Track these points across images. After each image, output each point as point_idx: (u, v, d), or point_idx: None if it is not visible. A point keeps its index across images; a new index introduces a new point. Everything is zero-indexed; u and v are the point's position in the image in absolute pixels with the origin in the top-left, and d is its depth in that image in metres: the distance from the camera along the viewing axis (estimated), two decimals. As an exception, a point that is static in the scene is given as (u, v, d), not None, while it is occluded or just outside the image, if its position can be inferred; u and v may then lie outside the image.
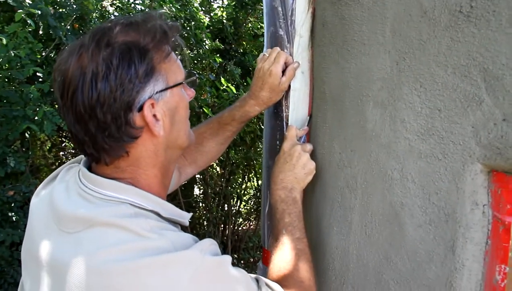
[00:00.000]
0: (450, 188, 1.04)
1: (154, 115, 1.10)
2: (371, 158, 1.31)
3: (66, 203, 1.09)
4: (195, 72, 1.29)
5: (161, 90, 1.12)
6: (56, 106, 3.71)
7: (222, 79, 4.56)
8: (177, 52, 1.22)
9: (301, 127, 1.73)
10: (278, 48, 1.65)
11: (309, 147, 1.61)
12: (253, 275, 1.17)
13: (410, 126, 1.15)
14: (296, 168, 1.52)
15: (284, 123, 1.72)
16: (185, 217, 1.23)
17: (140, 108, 1.08)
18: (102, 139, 1.06)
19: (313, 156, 1.60)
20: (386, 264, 1.25)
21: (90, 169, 1.15)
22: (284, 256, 1.33)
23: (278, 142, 1.76)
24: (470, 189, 1.00)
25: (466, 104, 0.99)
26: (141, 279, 0.94)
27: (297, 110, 1.74)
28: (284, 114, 1.72)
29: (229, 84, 4.65)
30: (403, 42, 1.18)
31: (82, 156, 1.23)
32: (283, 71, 1.63)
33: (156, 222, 1.07)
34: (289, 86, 1.68)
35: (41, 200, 1.20)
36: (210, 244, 1.09)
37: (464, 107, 1.00)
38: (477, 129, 0.97)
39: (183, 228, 1.26)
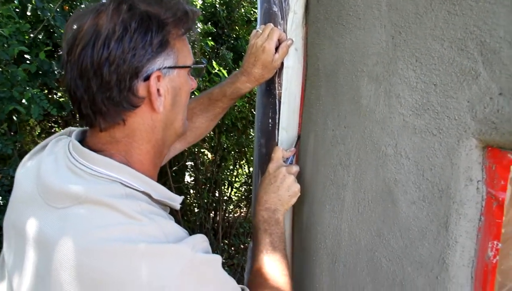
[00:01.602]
0: (444, 164, 1.03)
1: (158, 90, 1.10)
2: (365, 134, 1.30)
3: (55, 176, 1.06)
4: (204, 62, 1.27)
5: (170, 67, 1.11)
6: (46, 90, 3.68)
7: (214, 63, 4.53)
8: (191, 37, 1.21)
9: (289, 148, 1.74)
10: (271, 25, 1.63)
11: (295, 168, 1.61)
12: (240, 286, 1.16)
13: (405, 102, 1.14)
14: (281, 190, 1.53)
15: (277, 101, 1.71)
16: (176, 200, 1.21)
17: (146, 78, 1.07)
18: (102, 101, 1.04)
19: (305, 138, 1.60)
20: (379, 242, 1.25)
21: (81, 143, 1.12)
22: (263, 277, 1.33)
23: (270, 120, 1.75)
24: (464, 164, 0.99)
25: (462, 79, 0.98)
26: (131, 264, 0.93)
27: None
28: (277, 91, 1.71)
29: (221, 68, 4.63)
30: (399, 16, 1.16)
31: (71, 128, 1.21)
32: (276, 48, 1.62)
33: (147, 204, 1.05)
34: (282, 63, 1.67)
35: (27, 171, 1.17)
36: (202, 241, 1.08)
37: (460, 81, 0.98)
38: (473, 104, 0.95)
39: (173, 211, 1.25)
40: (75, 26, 1.06)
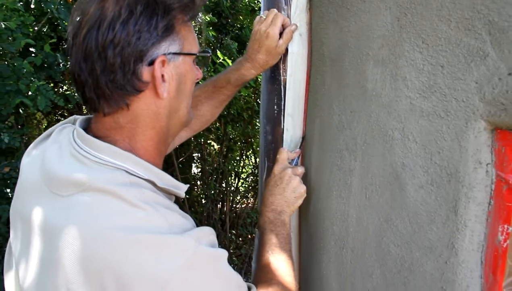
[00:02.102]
0: (452, 147, 1.01)
1: (162, 76, 1.09)
2: (371, 119, 1.28)
3: (59, 164, 1.05)
4: (209, 51, 1.27)
5: (175, 53, 1.11)
6: (52, 84, 3.68)
7: (219, 52, 4.51)
8: (197, 25, 1.21)
9: (294, 149, 1.74)
10: (275, 10, 1.62)
11: (300, 170, 1.61)
12: (246, 283, 1.16)
13: (412, 84, 1.12)
14: (286, 191, 1.53)
15: (282, 87, 1.70)
16: (181, 188, 1.20)
17: (151, 63, 1.06)
18: (105, 84, 1.04)
19: (311, 124, 1.58)
20: (387, 227, 1.23)
21: (86, 131, 1.12)
22: (269, 276, 1.33)
23: (275, 107, 1.74)
24: (473, 147, 0.97)
25: (470, 59, 0.96)
26: (134, 255, 0.92)
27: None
28: (282, 78, 1.69)
29: (226, 58, 4.61)
30: (404, -3, 1.14)
31: (75, 116, 1.20)
32: (280, 34, 1.60)
33: (151, 193, 1.04)
34: (287, 49, 1.66)
35: (32, 159, 1.16)
36: (209, 234, 1.07)
37: (467, 62, 0.96)
38: (481, 85, 0.93)
39: (179, 202, 1.24)
40: (80, 11, 1.05)
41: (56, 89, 4.08)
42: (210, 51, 1.28)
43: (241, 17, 5.77)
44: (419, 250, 1.12)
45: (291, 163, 1.67)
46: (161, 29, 1.06)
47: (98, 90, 1.05)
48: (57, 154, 1.09)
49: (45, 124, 4.99)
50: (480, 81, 0.94)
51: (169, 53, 1.09)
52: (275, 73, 1.72)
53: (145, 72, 1.06)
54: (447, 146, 1.03)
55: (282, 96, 1.71)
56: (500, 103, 0.90)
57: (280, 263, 1.37)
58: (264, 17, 1.62)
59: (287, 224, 1.49)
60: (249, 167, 6.77)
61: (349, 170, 1.40)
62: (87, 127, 1.15)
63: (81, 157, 1.04)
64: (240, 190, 6.75)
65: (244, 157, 6.43)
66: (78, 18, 1.05)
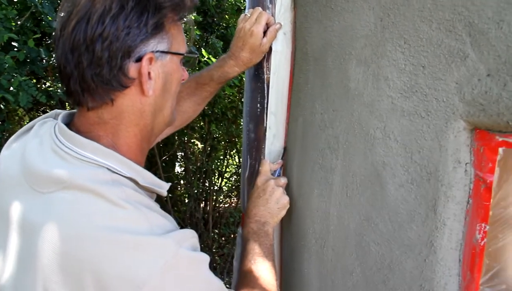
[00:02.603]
0: (432, 146, 1.03)
1: (149, 73, 1.08)
2: (353, 118, 1.29)
3: (40, 159, 1.04)
4: (197, 53, 1.26)
5: (163, 52, 1.10)
6: (34, 80, 3.63)
7: (203, 51, 4.50)
8: (185, 25, 1.21)
9: (275, 160, 1.74)
10: (259, 9, 1.62)
11: (283, 181, 1.62)
12: (228, 289, 1.15)
13: (393, 84, 1.13)
14: (270, 202, 1.53)
15: (265, 86, 1.70)
16: (163, 186, 1.19)
17: (138, 59, 1.05)
18: (91, 77, 1.02)
19: (294, 123, 1.59)
20: (367, 226, 1.24)
21: (68, 126, 1.10)
22: (251, 285, 1.32)
23: (258, 105, 1.74)
24: (453, 146, 0.99)
25: (451, 60, 0.97)
26: (113, 255, 0.92)
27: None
28: (265, 76, 1.69)
29: (211, 56, 4.60)
30: (387, -2, 1.15)
31: (57, 111, 1.19)
32: (265, 32, 1.61)
33: (133, 191, 1.03)
34: (270, 48, 1.66)
35: (12, 153, 1.14)
36: (190, 237, 1.06)
37: (448, 63, 0.98)
38: (461, 85, 0.95)
39: (162, 201, 1.23)
40: (71, 2, 1.04)
41: (38, 86, 4.04)
42: (197, 53, 1.28)
43: (227, 16, 5.76)
44: (399, 248, 1.13)
45: (274, 174, 1.68)
46: (151, 27, 1.05)
47: (83, 83, 1.04)
48: (38, 148, 1.07)
49: (27, 121, 4.93)
50: (460, 81, 0.95)
51: (157, 51, 1.08)
52: (258, 72, 1.72)
53: (131, 69, 1.05)
54: (427, 145, 1.04)
55: (266, 94, 1.71)
56: (479, 103, 0.91)
57: (263, 272, 1.37)
58: (249, 15, 1.62)
59: (270, 235, 1.49)
60: (233, 166, 6.75)
61: (330, 169, 1.41)
62: (69, 123, 1.13)
63: (62, 153, 1.03)
64: (224, 190, 6.72)
65: (228, 156, 6.41)
66: (68, 9, 1.03)
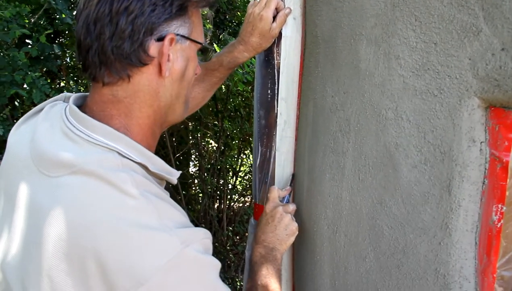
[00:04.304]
0: (446, 125, 1.00)
1: (168, 55, 1.07)
2: (365, 99, 1.27)
3: (49, 143, 1.02)
4: (213, 47, 1.26)
5: (184, 36, 1.10)
6: (49, 79, 3.64)
7: (215, 46, 4.49)
8: (204, 17, 1.20)
9: (284, 187, 1.74)
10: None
11: (291, 207, 1.61)
12: None
13: (405, 63, 1.11)
14: (278, 229, 1.53)
15: (276, 71, 1.68)
16: (173, 174, 1.16)
17: (160, 39, 1.05)
18: (111, 49, 1.02)
19: (304, 107, 1.57)
20: (380, 209, 1.22)
21: (80, 108, 1.08)
22: None
23: (269, 91, 1.72)
24: (467, 125, 0.96)
25: (463, 36, 0.94)
26: (119, 248, 0.89)
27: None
28: (276, 62, 1.68)
29: (222, 52, 4.57)
30: (397, -26, 1.12)
31: (66, 94, 1.18)
32: (274, 17, 1.59)
33: (143, 178, 1.01)
34: (280, 33, 1.64)
35: (21, 135, 1.13)
36: (202, 238, 1.01)
37: (461, 39, 0.95)
38: (475, 61, 0.92)
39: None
40: None
41: (53, 86, 4.05)
42: (213, 47, 1.27)
43: (238, 13, 5.77)
44: (413, 231, 1.11)
45: (282, 201, 1.68)
46: (176, 7, 1.05)
47: (102, 55, 1.03)
48: (48, 131, 1.06)
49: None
50: (473, 57, 0.92)
51: (178, 34, 1.08)
52: (268, 58, 1.70)
53: (152, 47, 1.04)
54: (441, 124, 1.02)
55: (276, 80, 1.70)
56: (493, 79, 0.89)
57: None
58: (258, 0, 1.61)
59: (278, 260, 1.49)
60: (247, 165, 6.72)
61: (342, 152, 1.39)
62: (80, 105, 1.12)
63: (73, 135, 1.01)
64: (238, 189, 6.69)
65: (242, 155, 6.39)
66: None
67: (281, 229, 1.53)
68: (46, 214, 0.94)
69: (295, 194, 1.77)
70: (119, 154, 1.01)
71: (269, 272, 1.41)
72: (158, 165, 1.11)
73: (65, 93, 1.18)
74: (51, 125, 1.07)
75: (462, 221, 0.99)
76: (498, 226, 0.95)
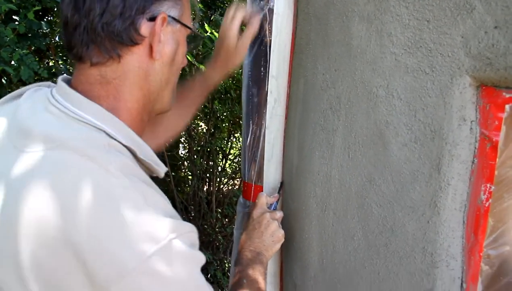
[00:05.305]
0: (437, 103, 1.00)
1: (159, 36, 1.05)
2: (356, 76, 1.26)
3: (31, 118, 0.97)
4: (203, 35, 1.23)
5: (174, 18, 1.08)
6: (37, 58, 3.59)
7: (206, 26, 4.43)
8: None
9: (272, 194, 1.74)
10: (235, 6, 1.59)
11: (278, 214, 1.61)
12: None
13: (397, 40, 1.10)
14: (264, 235, 1.52)
15: (268, 49, 1.66)
16: (161, 165, 1.12)
17: (151, 18, 1.02)
18: (101, 27, 0.98)
19: (295, 85, 1.56)
20: (369, 187, 1.22)
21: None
22: None
23: (262, 69, 1.70)
24: (458, 103, 0.96)
25: (456, 13, 0.94)
26: (100, 232, 0.83)
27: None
28: (267, 39, 1.66)
29: (213, 31, 4.53)
30: (390, -51, 1.11)
31: (50, 83, 1.12)
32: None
33: (130, 163, 0.97)
34: (272, 10, 1.62)
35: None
36: (189, 231, 0.96)
37: (454, 16, 0.94)
38: (467, 39, 0.91)
39: (163, 180, 1.18)
40: None
41: (42, 65, 4.00)
42: (204, 35, 1.25)
43: (231, -8, 5.72)
44: (401, 210, 1.11)
45: (270, 207, 1.67)
46: None
47: (92, 33, 0.99)
48: (30, 108, 1.01)
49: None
50: (466, 35, 0.92)
51: (169, 16, 1.06)
52: (260, 35, 1.69)
53: (144, 26, 1.02)
54: (432, 102, 1.01)
55: (268, 58, 1.68)
56: (485, 57, 0.88)
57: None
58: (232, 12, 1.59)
59: (264, 264, 1.48)
60: (237, 148, 6.70)
61: (332, 130, 1.38)
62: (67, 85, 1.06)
63: (57, 112, 0.96)
64: (227, 171, 6.68)
65: (232, 137, 6.37)
66: None
67: (268, 235, 1.53)
68: (18, 191, 0.88)
69: (284, 173, 1.77)
70: (107, 134, 0.98)
71: (255, 273, 1.41)
72: (147, 152, 1.07)
73: (49, 83, 1.13)
74: (34, 103, 1.03)
75: (451, 200, 0.99)
76: (486, 205, 0.95)
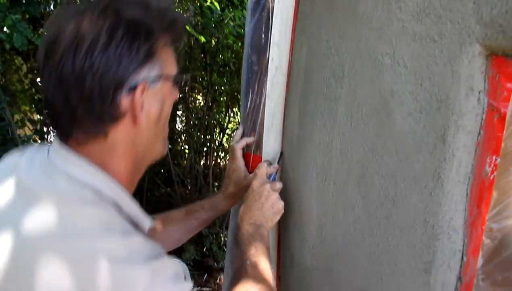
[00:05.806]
0: (444, 72, 0.97)
1: (142, 103, 1.04)
2: (361, 43, 1.23)
3: (25, 173, 1.00)
4: (188, 71, 1.21)
5: (154, 78, 1.06)
6: (31, 27, 3.53)
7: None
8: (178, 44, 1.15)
9: (272, 164, 1.74)
10: (239, 135, 1.80)
11: (278, 185, 1.61)
12: None
13: (405, 6, 1.07)
14: (265, 206, 1.53)
15: (270, 15, 1.63)
16: (146, 221, 1.12)
17: (130, 90, 1.00)
18: (82, 113, 0.97)
19: (297, 53, 1.53)
20: (371, 157, 1.20)
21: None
22: (246, 287, 1.28)
23: (262, 35, 1.68)
24: (466, 72, 0.93)
25: (469, -22, 0.90)
26: (80, 280, 0.84)
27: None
28: (270, 5, 1.63)
29: (213, 1, 4.47)
30: None
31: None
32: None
33: (116, 213, 1.00)
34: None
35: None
36: (172, 265, 0.99)
37: (466, -19, 0.91)
38: (479, 5, 0.88)
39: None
40: (56, 27, 0.98)
41: (36, 32, 3.96)
42: (188, 73, 1.24)
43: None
44: (404, 181, 1.09)
45: (269, 178, 1.68)
46: (143, 54, 1.01)
47: (74, 118, 0.99)
48: (28, 163, 1.04)
49: (25, 71, 4.83)
50: (478, 1, 0.88)
51: (148, 80, 1.04)
52: (262, 1, 1.66)
53: (124, 100, 1.01)
54: (439, 71, 0.98)
55: (270, 25, 1.65)
56: (498, 24, 0.85)
57: (259, 273, 1.34)
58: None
59: (265, 237, 1.49)
60: (235, 123, 6.70)
61: (335, 98, 1.36)
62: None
63: (49, 169, 1.00)
64: (225, 146, 6.70)
65: (230, 111, 6.36)
66: (53, 34, 0.98)
67: (268, 207, 1.54)
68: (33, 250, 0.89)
69: (284, 143, 1.76)
70: (94, 188, 0.99)
71: (257, 251, 1.40)
72: (132, 207, 1.08)
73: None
74: (32, 158, 1.05)
75: (455, 172, 0.97)
76: (491, 178, 0.93)
